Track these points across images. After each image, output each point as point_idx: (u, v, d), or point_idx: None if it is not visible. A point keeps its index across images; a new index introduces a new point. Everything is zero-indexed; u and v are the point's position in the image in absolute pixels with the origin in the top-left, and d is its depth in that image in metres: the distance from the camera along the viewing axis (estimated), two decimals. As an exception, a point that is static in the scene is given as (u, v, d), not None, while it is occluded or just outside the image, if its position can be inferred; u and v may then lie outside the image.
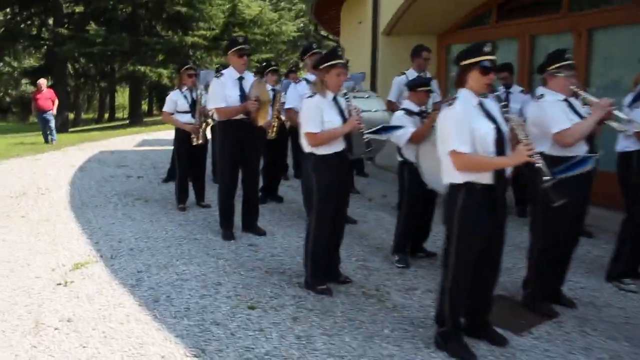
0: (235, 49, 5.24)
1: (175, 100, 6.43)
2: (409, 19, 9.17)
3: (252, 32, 20.17)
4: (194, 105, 6.42)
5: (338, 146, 4.02)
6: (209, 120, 6.42)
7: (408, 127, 4.52)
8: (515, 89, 6.39)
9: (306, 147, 4.07)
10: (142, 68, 18.71)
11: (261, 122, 5.25)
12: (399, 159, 4.74)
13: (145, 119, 22.90)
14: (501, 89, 6.46)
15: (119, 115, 33.90)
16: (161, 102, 35.53)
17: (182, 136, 6.44)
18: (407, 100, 4.74)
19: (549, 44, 7.54)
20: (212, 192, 7.30)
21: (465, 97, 3.11)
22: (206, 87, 6.88)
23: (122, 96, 37.97)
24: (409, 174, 4.69)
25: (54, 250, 5.04)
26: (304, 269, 4.27)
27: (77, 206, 6.74)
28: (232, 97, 5.22)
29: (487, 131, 3.05)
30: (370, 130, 4.08)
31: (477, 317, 3.42)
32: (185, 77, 6.44)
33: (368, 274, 4.56)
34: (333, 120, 3.99)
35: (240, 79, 5.31)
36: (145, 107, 30.39)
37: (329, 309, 3.87)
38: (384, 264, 4.79)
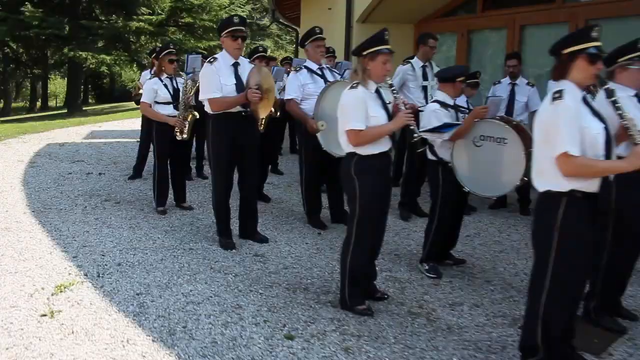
0: (229, 30, 4.49)
1: (156, 89, 5.54)
2: (385, 6, 8.62)
3: (200, 18, 19.03)
4: (176, 95, 5.59)
5: (384, 145, 3.41)
6: (195, 113, 5.61)
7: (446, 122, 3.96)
8: (522, 80, 5.97)
9: (347, 147, 3.43)
10: (84, 54, 17.20)
11: (263, 113, 4.53)
12: (431, 157, 4.18)
13: (84, 108, 21.22)
14: (504, 81, 6.04)
15: (51, 103, 31.58)
16: (97, 90, 33.48)
17: (163, 130, 5.58)
18: (440, 92, 4.17)
19: (541, 35, 7.21)
20: (191, 192, 6.52)
21: (572, 91, 2.57)
22: (189, 74, 6.08)
23: (54, 84, 35.49)
24: (443, 174, 4.15)
25: (25, 268, 4.14)
26: (339, 286, 3.63)
27: (39, 210, 5.76)
28: (227, 86, 4.48)
29: (598, 131, 2.54)
30: (428, 129, 3.48)
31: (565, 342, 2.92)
32: (166, 63, 5.57)
33: (401, 287, 3.99)
34: (378, 116, 3.37)
35: (236, 64, 4.57)
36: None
37: (379, 334, 3.27)
38: (412, 274, 4.24)
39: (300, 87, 5.13)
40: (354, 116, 3.32)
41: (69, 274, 4.06)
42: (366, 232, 3.46)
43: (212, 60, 4.52)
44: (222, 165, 4.63)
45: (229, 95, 4.46)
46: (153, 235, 5.00)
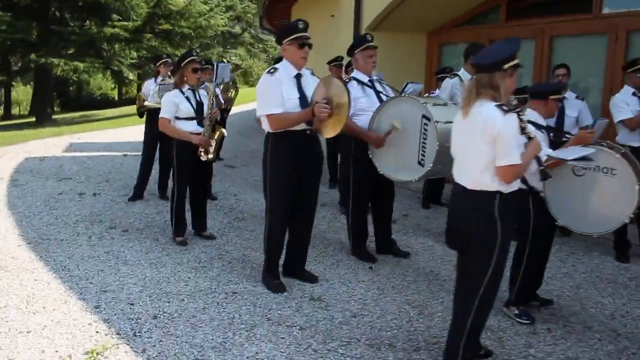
0: (293, 37, 3.76)
1: (177, 102, 4.72)
2: (398, 13, 8.01)
3: (179, 25, 18.03)
4: (200, 110, 4.78)
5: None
6: (223, 130, 4.82)
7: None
8: (570, 94, 5.42)
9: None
10: (56, 60, 15.97)
11: (330, 132, 3.78)
12: (522, 186, 3.53)
13: (54, 117, 19.85)
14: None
15: (14, 111, 29.75)
16: (63, 97, 31.76)
17: (185, 150, 4.76)
18: (531, 111, 3.55)
19: (574, 47, 6.73)
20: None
21: None
22: (220, 84, 5.27)
23: (16, 91, 33.57)
24: (535, 205, 3.51)
25: (38, 325, 3.27)
26: (448, 346, 2.93)
27: (36, 241, 4.84)
28: (290, 100, 3.74)
29: None
30: (576, 157, 2.82)
31: None
32: (189, 73, 4.74)
33: (497, 340, 3.32)
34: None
35: (298, 76, 3.84)
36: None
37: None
38: (499, 320, 3.57)
39: (352, 100, 4.42)
40: None
41: (97, 332, 3.21)
42: (496, 283, 2.80)
43: (272, 70, 3.76)
44: (281, 193, 3.85)
45: (292, 110, 3.71)
46: (181, 274, 4.18)
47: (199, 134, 4.74)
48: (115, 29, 16.80)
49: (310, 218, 4.07)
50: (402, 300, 3.86)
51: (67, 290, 3.79)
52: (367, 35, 4.50)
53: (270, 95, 3.69)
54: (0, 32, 15.30)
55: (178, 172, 4.79)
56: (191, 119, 4.76)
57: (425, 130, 4.11)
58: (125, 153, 9.95)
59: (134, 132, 13.74)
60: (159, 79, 6.68)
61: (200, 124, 4.78)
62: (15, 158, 9.11)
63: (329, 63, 7.29)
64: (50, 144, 11.21)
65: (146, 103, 6.61)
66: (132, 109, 22.77)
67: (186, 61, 4.74)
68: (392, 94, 4.69)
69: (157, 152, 6.59)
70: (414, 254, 4.86)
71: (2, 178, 7.39)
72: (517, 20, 7.34)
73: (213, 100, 4.79)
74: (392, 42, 8.40)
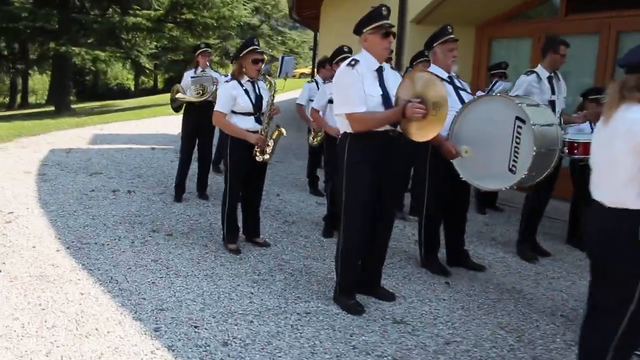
0: (376, 25, 3.26)
1: (234, 96, 4.23)
2: (447, 5, 7.47)
3: (201, 15, 17.51)
4: (258, 105, 4.29)
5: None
6: (282, 130, 4.33)
7: None
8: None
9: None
10: (77, 49, 15.50)
11: (423, 136, 3.27)
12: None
13: (73, 106, 19.41)
14: None
15: (30, 100, 29.36)
16: (79, 87, 31.32)
17: (240, 148, 4.26)
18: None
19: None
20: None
21: None
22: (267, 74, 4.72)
23: (32, 80, 33.19)
24: None
25: (94, 353, 2.79)
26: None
27: (75, 246, 4.38)
28: (373, 98, 3.24)
29: None
30: None
31: None
32: (249, 63, 4.24)
33: None
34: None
35: (380, 70, 3.34)
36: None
37: None
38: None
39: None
40: None
41: (163, 363, 2.75)
42: None
43: (353, 63, 3.25)
44: (361, 204, 3.32)
45: (374, 109, 3.21)
46: (242, 288, 3.70)
47: (256, 132, 4.25)
48: (138, 18, 16.29)
49: (389, 230, 3.58)
50: (494, 323, 3.38)
51: (120, 307, 3.33)
52: (448, 27, 3.98)
53: (352, 92, 3.19)
54: (21, 20, 14.80)
55: (232, 173, 4.30)
56: (248, 114, 4.27)
57: (519, 133, 3.60)
58: (153, 146, 9.51)
59: (157, 123, 13.32)
60: (199, 69, 6.22)
61: (258, 120, 4.29)
62: (40, 150, 8.65)
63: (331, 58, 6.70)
64: (73, 135, 10.76)
65: (178, 96, 6.13)
66: (150, 99, 22.46)
67: (246, 51, 4.22)
68: (469, 92, 4.20)
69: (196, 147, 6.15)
70: (488, 267, 4.38)
71: (29, 172, 6.94)
72: (578, 14, 6.78)
73: (274, 96, 4.29)
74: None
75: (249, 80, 4.30)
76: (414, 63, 5.74)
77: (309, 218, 5.55)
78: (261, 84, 4.37)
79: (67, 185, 6.38)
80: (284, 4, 26.60)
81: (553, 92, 4.66)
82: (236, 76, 4.29)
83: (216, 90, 7.30)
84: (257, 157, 4.27)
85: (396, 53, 8.21)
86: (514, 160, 3.64)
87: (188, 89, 6.11)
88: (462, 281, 4.05)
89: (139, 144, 9.72)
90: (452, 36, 3.98)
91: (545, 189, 4.58)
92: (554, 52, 4.61)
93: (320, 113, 5.17)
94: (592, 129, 4.87)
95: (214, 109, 4.27)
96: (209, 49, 6.48)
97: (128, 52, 17.68)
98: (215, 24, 17.97)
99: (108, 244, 4.46)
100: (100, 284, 3.66)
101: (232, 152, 4.27)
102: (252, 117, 4.28)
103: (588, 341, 2.47)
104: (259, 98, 4.30)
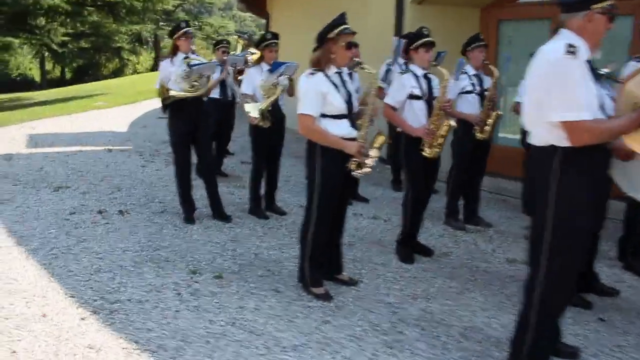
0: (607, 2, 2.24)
1: (325, 93, 2.99)
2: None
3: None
4: (350, 102, 3.12)
5: None
6: (383, 136, 3.19)
7: None
8: None
9: None
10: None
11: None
12: None
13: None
14: None
15: None
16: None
17: (334, 161, 3.05)
18: None
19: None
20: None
21: None
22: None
23: None
24: None
25: None
26: None
27: (105, 310, 2.98)
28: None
29: None
30: None
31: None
32: (340, 49, 3.01)
33: None
34: None
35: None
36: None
37: None
38: None
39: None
40: None
41: None
42: None
43: (572, 49, 2.19)
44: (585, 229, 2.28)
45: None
46: (383, 358, 2.60)
47: (352, 139, 3.10)
48: (55, 0, 13.93)
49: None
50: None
51: None
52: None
53: (579, 91, 2.17)
54: None
55: (323, 196, 3.11)
56: (341, 117, 3.10)
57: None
58: (107, 147, 7.85)
59: (92, 118, 11.42)
60: (179, 56, 4.72)
61: (353, 124, 3.14)
62: (-34, 158, 6.75)
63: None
64: (4, 137, 8.70)
65: (172, 94, 4.66)
66: (66, 91, 19.76)
67: (336, 31, 3.03)
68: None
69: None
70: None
71: (-27, 191, 5.20)
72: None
73: (374, 90, 3.15)
74: (441, 17, 7.06)
75: (337, 72, 3.12)
76: (468, 49, 4.77)
77: (369, 238, 4.47)
78: (353, 74, 3.21)
79: (33, 207, 4.79)
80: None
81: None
82: (321, 66, 3.09)
83: (219, 81, 5.91)
84: (354, 173, 3.13)
85: (395, 34, 7.29)
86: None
87: (173, 83, 4.64)
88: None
89: (89, 145, 8.00)
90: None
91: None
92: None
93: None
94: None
95: (299, 112, 3.04)
96: (190, 28, 4.95)
97: (43, 38, 15.19)
98: (140, 7, 15.93)
99: (148, 301, 3.12)
100: (181, 377, 2.39)
101: (325, 168, 3.08)
102: (346, 120, 3.12)
103: None
104: (349, 94, 3.15)
